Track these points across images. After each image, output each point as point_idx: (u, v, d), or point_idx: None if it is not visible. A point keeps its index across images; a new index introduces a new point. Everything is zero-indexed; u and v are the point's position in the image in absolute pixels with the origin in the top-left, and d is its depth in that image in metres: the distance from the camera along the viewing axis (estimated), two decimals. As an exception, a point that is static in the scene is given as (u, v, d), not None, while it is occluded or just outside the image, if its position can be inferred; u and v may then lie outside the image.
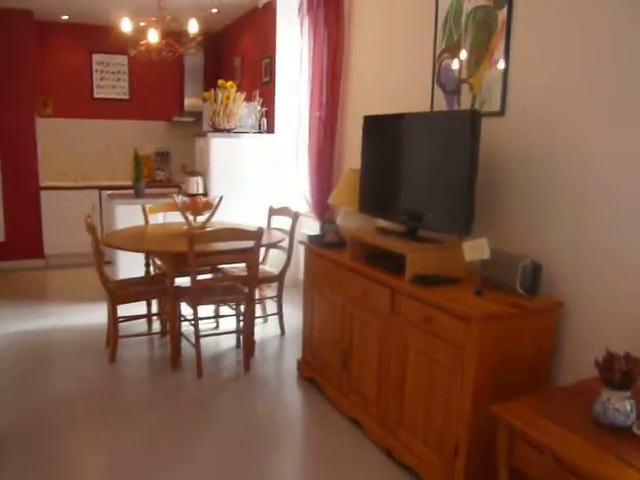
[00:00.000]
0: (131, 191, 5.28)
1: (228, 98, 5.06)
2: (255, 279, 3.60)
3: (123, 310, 3.73)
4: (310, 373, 3.44)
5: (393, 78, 3.57)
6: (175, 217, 4.23)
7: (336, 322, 3.07)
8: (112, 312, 3.64)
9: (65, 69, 6.59)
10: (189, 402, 3.22)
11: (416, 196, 2.78)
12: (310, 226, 4.98)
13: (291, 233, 4.20)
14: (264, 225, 4.44)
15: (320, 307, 3.30)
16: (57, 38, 6.51)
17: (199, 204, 3.88)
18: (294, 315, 4.36)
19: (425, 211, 2.69)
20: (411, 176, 2.81)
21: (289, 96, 5.32)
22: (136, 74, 6.86)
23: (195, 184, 5.28)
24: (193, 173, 5.43)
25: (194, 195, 5.21)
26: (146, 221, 4.48)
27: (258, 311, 4.48)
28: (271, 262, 4.51)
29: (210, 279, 4.01)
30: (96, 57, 6.66)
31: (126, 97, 6.88)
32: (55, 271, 6.18)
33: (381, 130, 3.07)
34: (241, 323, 3.85)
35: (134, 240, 3.81)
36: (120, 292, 3.67)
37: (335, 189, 3.47)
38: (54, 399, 3.20)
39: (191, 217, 3.94)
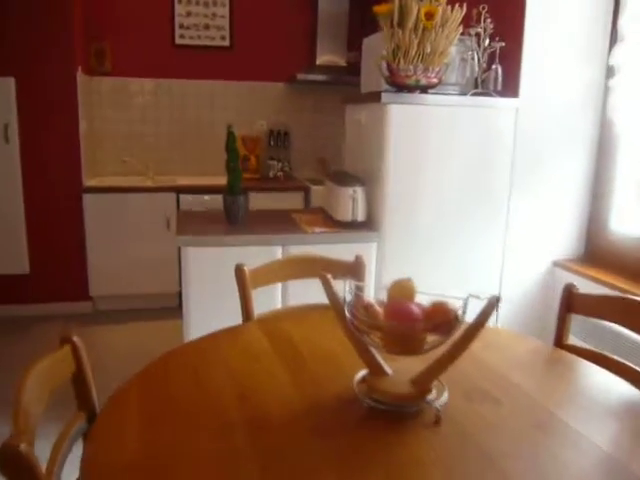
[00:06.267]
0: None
1: (432, 16, 2.26)
2: None
3: None
4: None
5: None
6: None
7: None
8: None
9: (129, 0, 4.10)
10: None
11: None
12: None
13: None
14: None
15: None
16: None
17: (414, 323, 1.13)
18: None
19: None
20: None
21: (558, 18, 2.45)
22: (241, 7, 4.25)
23: (349, 201, 2.56)
24: (343, 178, 2.71)
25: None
26: (246, 313, 1.80)
27: None
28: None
29: None
30: (179, -24, 4.12)
31: (225, 43, 4.28)
32: (105, 326, 3.77)
33: None
34: None
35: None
36: None
37: None
38: None
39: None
